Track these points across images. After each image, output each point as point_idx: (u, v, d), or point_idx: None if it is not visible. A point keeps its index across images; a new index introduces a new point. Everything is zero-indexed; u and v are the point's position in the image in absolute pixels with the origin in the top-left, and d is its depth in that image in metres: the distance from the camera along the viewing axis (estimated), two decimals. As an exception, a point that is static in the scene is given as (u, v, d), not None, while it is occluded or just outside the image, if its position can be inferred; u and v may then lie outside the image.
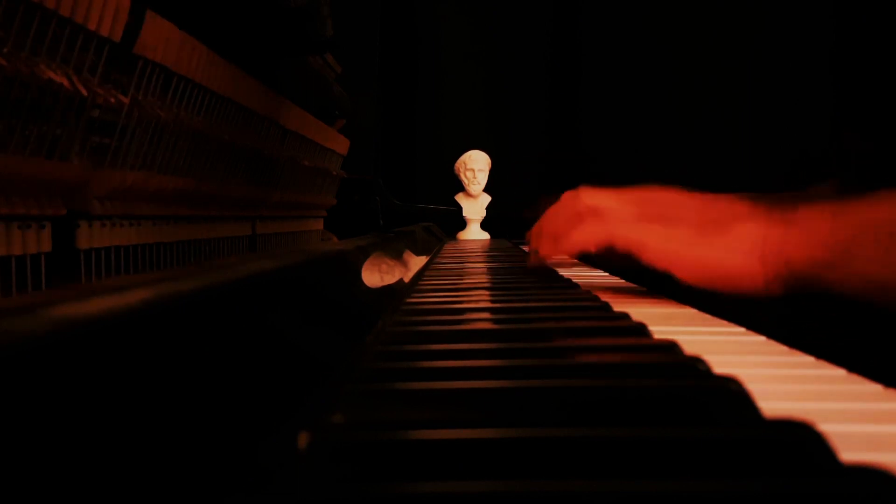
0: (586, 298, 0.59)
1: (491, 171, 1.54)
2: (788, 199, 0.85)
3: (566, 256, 0.64)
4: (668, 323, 0.50)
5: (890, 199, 0.49)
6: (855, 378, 0.35)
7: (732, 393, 0.28)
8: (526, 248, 0.71)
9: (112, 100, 0.51)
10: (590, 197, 0.61)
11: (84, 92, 0.47)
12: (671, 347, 0.37)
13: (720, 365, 0.33)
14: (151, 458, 0.20)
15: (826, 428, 0.23)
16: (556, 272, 0.80)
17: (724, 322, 0.51)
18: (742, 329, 0.48)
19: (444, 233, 1.60)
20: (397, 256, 0.82)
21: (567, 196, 0.64)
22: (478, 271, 0.86)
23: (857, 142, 0.89)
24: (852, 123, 0.92)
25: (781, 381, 0.34)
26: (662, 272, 0.56)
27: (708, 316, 0.54)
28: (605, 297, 0.59)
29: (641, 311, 0.54)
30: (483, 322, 0.51)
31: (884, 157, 0.85)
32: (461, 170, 1.53)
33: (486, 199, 1.54)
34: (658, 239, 0.55)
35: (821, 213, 0.51)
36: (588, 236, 0.58)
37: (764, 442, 0.23)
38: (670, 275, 0.56)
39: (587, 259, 0.73)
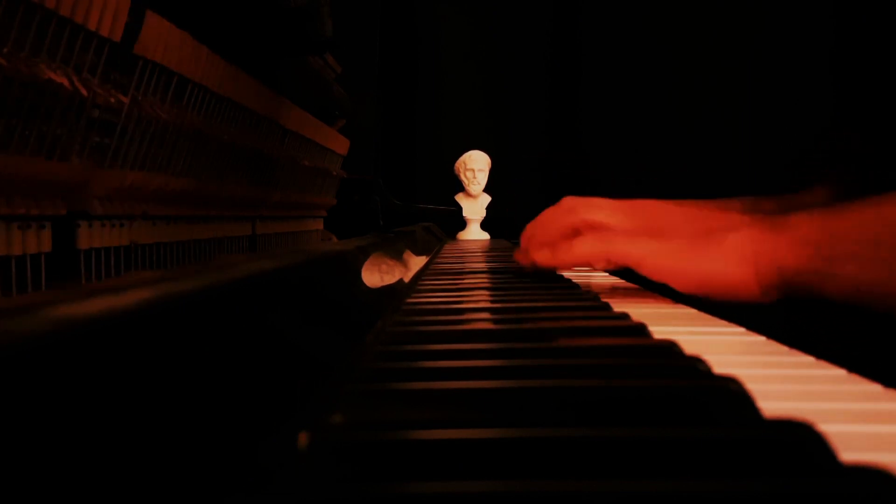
0: (586, 298, 0.59)
1: (491, 171, 1.54)
2: (778, 204, 0.86)
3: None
4: (668, 323, 0.51)
5: (876, 205, 0.50)
6: (855, 378, 0.35)
7: (732, 393, 0.28)
8: (519, 256, 0.71)
9: (112, 100, 0.51)
10: (586, 210, 0.63)
11: (84, 92, 0.47)
12: (671, 347, 0.37)
13: (720, 365, 0.33)
14: (152, 459, 0.20)
15: (826, 428, 0.23)
16: (555, 272, 0.80)
17: (724, 322, 0.51)
18: (742, 329, 0.48)
19: (444, 233, 1.60)
20: (397, 256, 0.82)
21: (562, 207, 0.66)
22: (478, 271, 0.86)
23: (857, 142, 0.89)
24: (852, 123, 0.92)
25: (781, 381, 0.34)
26: (659, 283, 0.58)
27: (708, 316, 0.54)
28: (605, 297, 0.59)
29: (641, 310, 0.54)
30: (483, 322, 0.51)
31: (884, 157, 0.85)
32: (461, 170, 1.53)
33: (486, 199, 1.54)
34: (654, 254, 0.57)
35: (809, 221, 0.53)
36: (586, 251, 0.59)
37: (764, 442, 0.23)
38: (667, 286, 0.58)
39: None
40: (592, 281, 0.75)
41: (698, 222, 0.59)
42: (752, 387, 0.28)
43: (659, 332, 0.43)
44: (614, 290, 0.68)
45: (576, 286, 0.69)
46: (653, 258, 0.57)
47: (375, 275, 0.65)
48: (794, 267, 0.52)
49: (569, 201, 0.66)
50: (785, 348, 0.42)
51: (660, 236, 0.58)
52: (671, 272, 0.56)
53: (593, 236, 0.59)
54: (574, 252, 0.60)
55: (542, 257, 0.62)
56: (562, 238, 0.63)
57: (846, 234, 0.51)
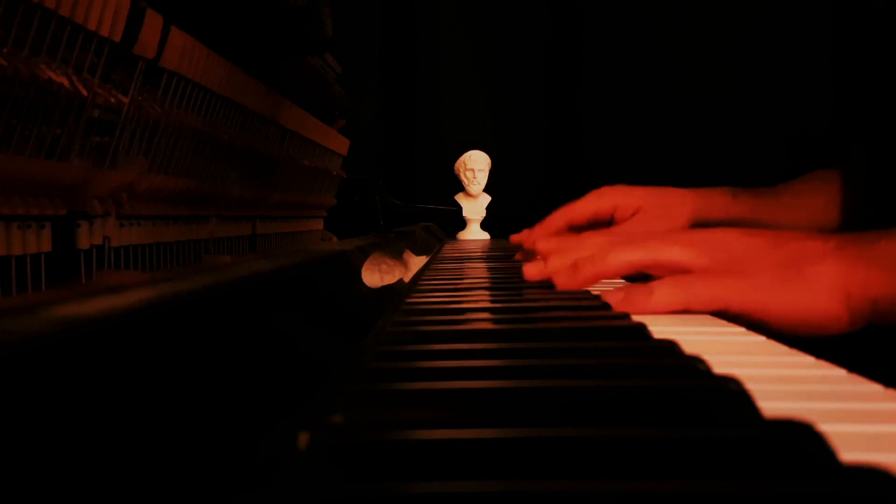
0: (586, 298, 0.59)
1: (491, 171, 1.54)
2: (768, 195, 0.85)
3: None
4: (668, 323, 0.50)
5: None
6: (855, 378, 0.35)
7: (732, 393, 0.28)
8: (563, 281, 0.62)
9: (112, 100, 0.51)
10: (658, 250, 0.57)
11: (84, 92, 0.47)
12: (671, 347, 0.37)
13: (720, 365, 0.33)
14: (154, 459, 0.20)
15: (826, 428, 0.23)
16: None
17: (724, 322, 0.51)
18: (742, 329, 0.48)
19: (444, 233, 1.60)
20: (397, 256, 0.82)
21: (628, 241, 0.59)
22: (478, 271, 0.86)
23: (857, 142, 0.90)
24: (853, 124, 0.92)
25: (781, 381, 0.34)
26: (750, 321, 0.53)
27: (708, 316, 0.54)
28: (605, 297, 0.59)
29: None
30: (483, 322, 0.51)
31: (884, 157, 0.85)
32: (461, 170, 1.53)
33: (486, 199, 1.54)
34: (740, 294, 0.53)
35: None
36: (665, 301, 0.53)
37: (764, 442, 0.23)
38: (765, 326, 0.53)
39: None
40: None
41: (779, 253, 0.54)
42: (752, 387, 0.28)
43: (659, 332, 0.43)
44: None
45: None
46: (740, 299, 0.53)
47: (375, 275, 0.65)
48: (889, 297, 0.51)
49: (646, 241, 0.59)
50: (785, 348, 0.42)
51: (740, 270, 0.54)
52: (761, 311, 0.53)
53: (672, 283, 0.54)
54: (653, 302, 0.53)
55: (616, 302, 0.54)
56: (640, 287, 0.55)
57: None
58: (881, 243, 0.53)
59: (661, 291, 0.53)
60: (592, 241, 0.66)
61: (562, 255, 0.65)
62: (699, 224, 0.84)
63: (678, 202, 0.87)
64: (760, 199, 0.87)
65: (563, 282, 0.61)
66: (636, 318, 0.48)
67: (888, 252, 0.52)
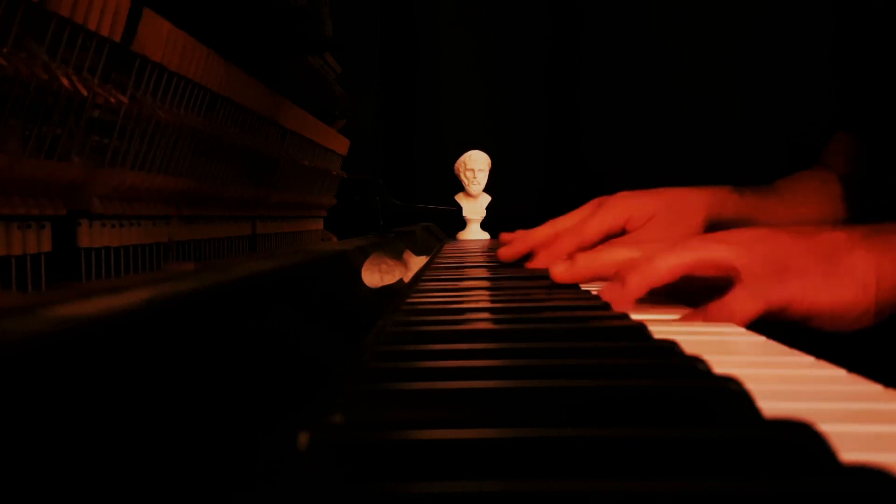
0: (586, 298, 0.59)
1: (491, 171, 1.54)
2: (768, 192, 0.85)
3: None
4: (667, 323, 0.51)
5: None
6: (855, 378, 0.35)
7: (732, 393, 0.28)
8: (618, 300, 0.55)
9: (112, 100, 0.51)
10: (705, 248, 0.54)
11: (84, 92, 0.47)
12: (671, 347, 0.37)
13: (720, 365, 0.33)
14: (154, 460, 0.20)
15: (826, 428, 0.23)
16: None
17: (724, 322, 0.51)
18: (742, 329, 0.48)
19: (444, 233, 1.60)
20: (397, 256, 0.82)
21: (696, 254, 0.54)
22: (478, 271, 0.86)
23: (856, 141, 0.90)
24: (852, 124, 0.92)
25: (781, 381, 0.34)
26: (802, 322, 0.52)
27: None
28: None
29: (641, 311, 0.54)
30: (483, 322, 0.51)
31: (883, 156, 0.85)
32: (461, 170, 1.53)
33: (486, 199, 1.54)
34: (801, 291, 0.51)
35: None
36: (749, 309, 0.50)
37: (764, 442, 0.23)
38: (808, 324, 0.53)
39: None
40: (592, 283, 0.75)
41: (807, 240, 0.53)
42: (752, 387, 0.29)
43: (659, 332, 0.43)
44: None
45: (575, 286, 0.69)
46: (801, 296, 0.51)
47: (375, 275, 0.65)
48: None
49: (695, 242, 0.55)
50: (785, 348, 0.42)
51: (784, 267, 0.52)
52: (817, 308, 0.51)
53: (746, 290, 0.51)
54: (736, 314, 0.50)
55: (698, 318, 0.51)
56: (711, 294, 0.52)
57: None
58: None
59: (741, 300, 0.50)
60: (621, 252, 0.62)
61: (590, 258, 0.64)
62: (713, 224, 0.83)
63: (692, 203, 0.84)
64: (763, 197, 0.87)
65: (610, 296, 0.55)
66: (635, 317, 0.48)
67: None
